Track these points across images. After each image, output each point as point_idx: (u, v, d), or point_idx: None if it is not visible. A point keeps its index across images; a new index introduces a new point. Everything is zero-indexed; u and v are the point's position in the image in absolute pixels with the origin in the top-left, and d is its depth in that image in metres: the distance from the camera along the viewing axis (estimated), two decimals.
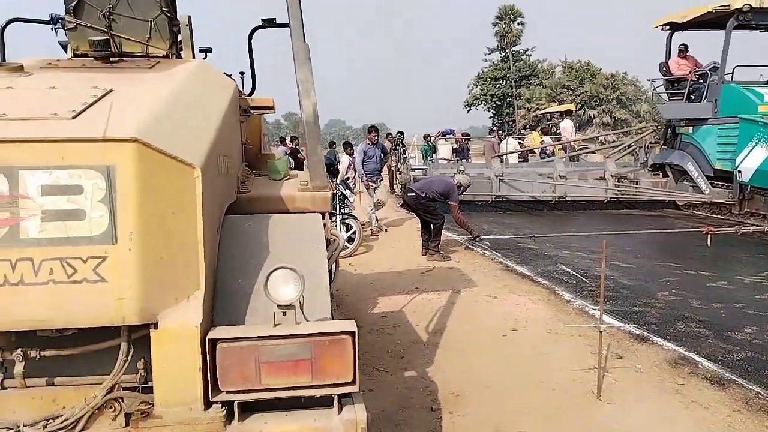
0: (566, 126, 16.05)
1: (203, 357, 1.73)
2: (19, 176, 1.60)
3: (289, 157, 12.26)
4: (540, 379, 3.77)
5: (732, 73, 10.58)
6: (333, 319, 2.17)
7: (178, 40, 2.99)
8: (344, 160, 9.76)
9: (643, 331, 4.36)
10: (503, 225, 9.56)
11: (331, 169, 8.20)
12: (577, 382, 3.63)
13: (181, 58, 2.97)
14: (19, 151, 1.61)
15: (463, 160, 14.26)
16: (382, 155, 9.56)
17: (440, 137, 16.10)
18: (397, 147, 13.34)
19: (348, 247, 7.72)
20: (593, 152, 16.04)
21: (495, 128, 23.59)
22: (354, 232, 7.79)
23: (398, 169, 12.16)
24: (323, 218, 2.56)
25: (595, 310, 4.70)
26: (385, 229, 9.40)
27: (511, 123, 37.24)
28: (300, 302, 1.85)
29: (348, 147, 10.31)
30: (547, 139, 15.40)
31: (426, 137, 16.93)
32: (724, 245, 7.28)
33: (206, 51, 3.24)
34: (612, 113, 32.88)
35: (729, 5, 9.78)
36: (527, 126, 28.34)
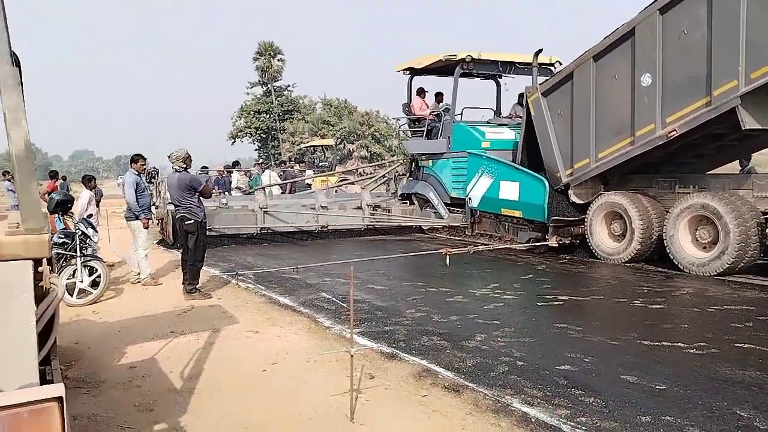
0: None
1: None
2: None
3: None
4: (299, 410, 3.76)
5: (461, 114, 12.22)
6: (52, 382, 1.86)
7: None
8: (84, 195, 8.73)
9: (393, 348, 4.67)
10: (268, 257, 9.51)
11: (68, 205, 7.25)
12: (334, 408, 3.71)
13: None
14: None
15: (225, 193, 13.95)
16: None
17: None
18: (152, 180, 12.52)
19: (91, 293, 6.89)
20: (353, 183, 17.10)
21: (260, 160, 23.64)
22: (99, 276, 6.97)
23: (154, 203, 11.37)
24: (42, 265, 2.25)
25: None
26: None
27: (276, 156, 37.71)
28: None
29: (89, 180, 9.29)
30: (309, 172, 15.92)
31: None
32: (460, 263, 8.26)
33: None
34: (368, 147, 35.50)
35: (456, 55, 11.28)
36: (291, 158, 29.01)
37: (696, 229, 7.49)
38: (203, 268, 7.33)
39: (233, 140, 43.90)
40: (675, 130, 7.44)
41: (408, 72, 12.77)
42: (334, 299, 6.28)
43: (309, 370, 4.43)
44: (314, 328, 5.40)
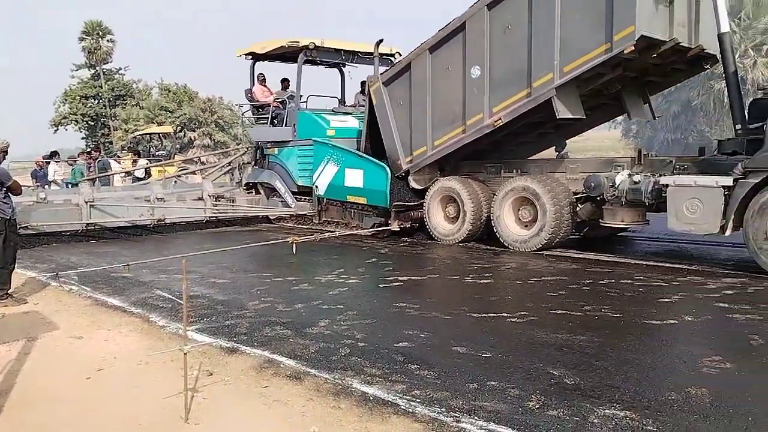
0: None
1: None
2: None
3: None
4: (128, 416, 3.50)
5: (306, 101, 12.15)
6: None
7: None
8: None
9: (233, 342, 4.52)
10: (95, 255, 8.70)
11: None
12: (167, 410, 3.50)
13: None
14: None
15: (45, 186, 12.52)
16: None
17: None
18: None
19: None
20: (194, 173, 16.26)
21: (88, 149, 21.55)
22: None
23: None
24: None
25: (188, 331, 4.65)
26: None
27: (107, 144, 34.71)
28: None
29: None
30: (142, 161, 14.83)
31: None
32: (307, 251, 8.25)
33: None
34: (211, 135, 34.01)
35: (299, 42, 11.15)
36: (125, 147, 26.85)
37: (519, 210, 8.21)
38: (15, 270, 6.50)
39: (56, 128, 39.56)
40: (500, 119, 8.06)
41: (250, 57, 12.40)
42: (170, 296, 5.92)
43: (140, 373, 4.14)
44: (147, 329, 5.05)
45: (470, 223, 8.65)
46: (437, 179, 9.33)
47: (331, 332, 4.68)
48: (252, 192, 12.40)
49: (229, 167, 13.85)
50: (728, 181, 6.35)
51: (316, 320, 4.99)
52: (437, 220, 9.22)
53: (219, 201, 11.82)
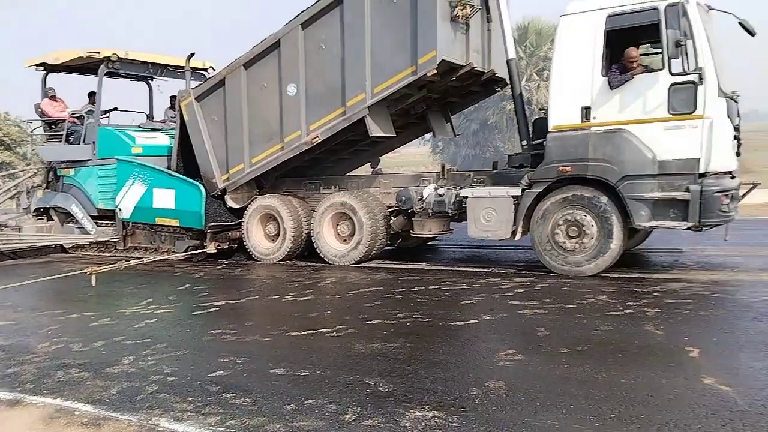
0: None
1: None
2: None
3: None
4: None
5: (109, 116, 11.15)
6: None
7: None
8: None
9: (16, 393, 3.92)
10: None
11: None
12: None
13: None
14: None
15: None
16: None
17: None
18: None
19: None
20: None
21: None
22: None
23: None
24: None
25: None
26: None
27: None
28: None
29: None
30: None
31: None
32: (110, 282, 7.53)
33: None
34: None
35: (99, 53, 10.22)
36: None
37: (338, 225, 8.40)
38: None
39: None
40: (317, 136, 8.16)
41: (42, 68, 11.09)
42: None
43: None
44: None
45: (291, 240, 8.61)
46: (256, 197, 9.14)
47: (136, 369, 4.28)
48: (43, 218, 11.02)
49: (16, 191, 12.17)
50: (517, 191, 7.13)
51: (118, 358, 4.54)
52: (257, 239, 9.02)
53: (2, 230, 10.29)
